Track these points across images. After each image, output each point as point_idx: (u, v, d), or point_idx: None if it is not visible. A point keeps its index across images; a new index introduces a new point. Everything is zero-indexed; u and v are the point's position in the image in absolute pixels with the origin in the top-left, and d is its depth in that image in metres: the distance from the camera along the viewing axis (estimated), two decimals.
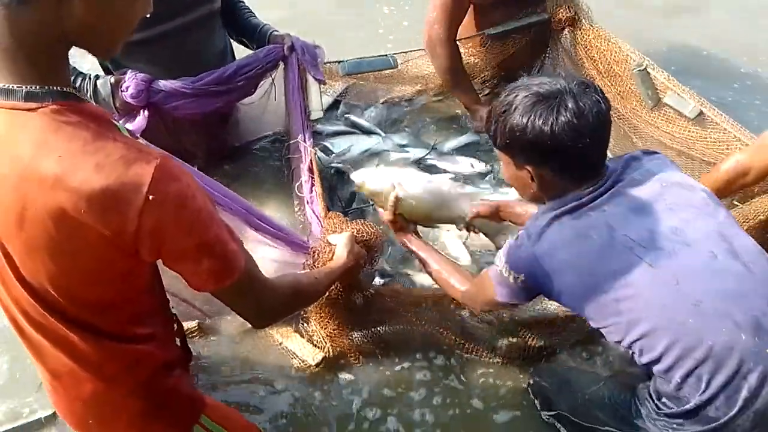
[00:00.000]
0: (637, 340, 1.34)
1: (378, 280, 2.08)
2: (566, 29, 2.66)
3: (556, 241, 1.38)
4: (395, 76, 2.80)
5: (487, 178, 2.54)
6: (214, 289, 1.07)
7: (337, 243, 1.65)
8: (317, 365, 1.89)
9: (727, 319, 1.27)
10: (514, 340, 1.89)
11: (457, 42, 2.65)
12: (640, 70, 2.36)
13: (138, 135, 1.27)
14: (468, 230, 1.96)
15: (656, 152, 1.54)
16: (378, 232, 1.74)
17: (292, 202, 2.34)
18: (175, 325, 1.31)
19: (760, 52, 3.62)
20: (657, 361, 1.33)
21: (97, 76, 2.13)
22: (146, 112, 2.11)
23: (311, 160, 2.14)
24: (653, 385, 1.44)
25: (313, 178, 2.10)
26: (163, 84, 2.13)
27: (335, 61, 2.68)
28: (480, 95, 2.81)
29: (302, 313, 1.94)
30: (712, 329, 1.27)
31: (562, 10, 2.62)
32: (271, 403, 1.85)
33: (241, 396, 1.87)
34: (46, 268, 0.95)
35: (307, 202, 2.00)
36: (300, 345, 1.93)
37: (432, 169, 2.52)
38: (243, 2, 2.49)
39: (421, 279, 2.11)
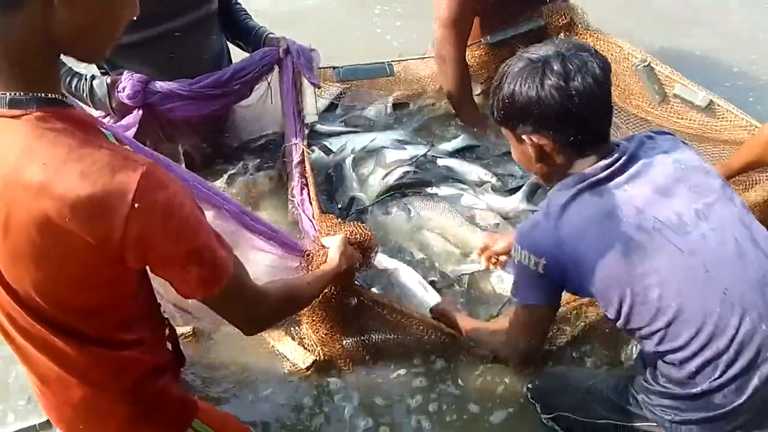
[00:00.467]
0: (662, 327, 1.30)
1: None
2: (563, 34, 2.66)
3: (580, 221, 1.33)
4: (391, 80, 2.81)
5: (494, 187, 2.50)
6: (202, 297, 1.07)
7: (330, 245, 1.63)
8: (308, 369, 1.88)
9: (752, 308, 1.26)
10: None
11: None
12: (644, 66, 2.37)
13: (128, 140, 1.27)
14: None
15: (668, 132, 1.50)
16: (371, 234, 1.73)
17: (286, 203, 2.33)
18: (167, 330, 1.31)
19: (749, 49, 3.60)
20: (678, 349, 1.30)
21: (93, 77, 2.13)
22: (139, 111, 2.11)
23: (305, 163, 2.13)
24: (651, 368, 1.42)
25: (306, 181, 2.09)
26: (160, 85, 2.14)
27: (330, 67, 2.68)
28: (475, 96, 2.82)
29: (295, 316, 1.92)
30: (737, 318, 1.25)
31: (557, 17, 2.63)
32: (265, 408, 1.85)
33: (235, 400, 1.87)
34: (31, 275, 0.95)
35: (298, 204, 2.00)
36: (291, 348, 1.92)
37: (435, 169, 2.53)
38: (240, 4, 2.49)
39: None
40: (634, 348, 1.86)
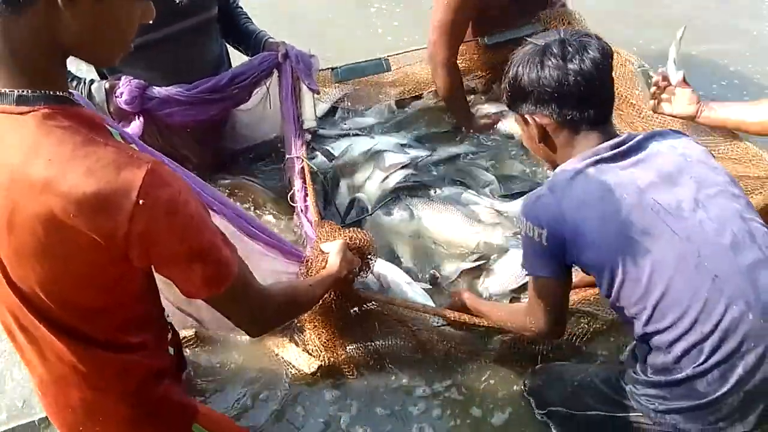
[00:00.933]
0: (648, 307, 1.32)
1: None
2: None
3: (581, 195, 1.36)
4: (390, 80, 2.82)
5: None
6: (206, 296, 1.06)
7: (330, 251, 1.64)
8: (313, 374, 1.88)
9: (740, 296, 1.28)
10: (506, 338, 1.88)
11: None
12: (643, 69, 2.41)
13: (133, 140, 1.27)
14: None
15: (681, 132, 1.54)
16: (371, 239, 1.73)
17: (288, 209, 2.34)
18: (170, 334, 1.30)
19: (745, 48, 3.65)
20: (663, 331, 1.32)
21: (92, 81, 2.13)
22: (141, 119, 2.11)
23: (304, 169, 2.13)
24: (642, 360, 1.44)
25: (306, 186, 2.10)
26: (157, 91, 2.13)
27: (329, 68, 2.68)
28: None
29: (297, 322, 1.93)
30: (725, 305, 1.27)
31: (555, 22, 2.65)
32: (265, 413, 1.84)
33: (235, 404, 1.86)
34: (36, 272, 0.94)
35: (301, 210, 2.00)
36: (296, 354, 1.92)
37: (436, 171, 2.52)
38: (241, 8, 2.49)
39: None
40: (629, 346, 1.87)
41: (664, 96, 2.10)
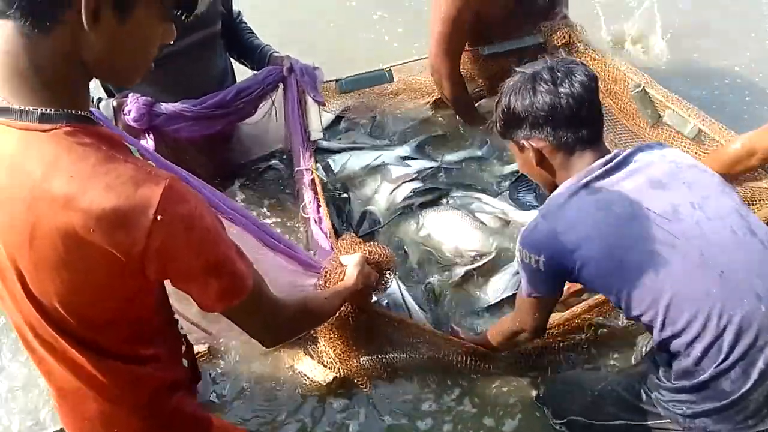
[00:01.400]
0: (660, 312, 1.34)
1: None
2: (562, 51, 2.65)
3: (575, 215, 1.40)
4: (395, 89, 2.84)
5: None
6: (222, 309, 1.07)
7: (348, 263, 1.65)
8: (328, 385, 1.89)
9: (749, 290, 1.29)
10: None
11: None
12: (638, 92, 2.37)
13: (152, 155, 1.29)
14: None
15: (666, 144, 1.57)
16: (391, 255, 1.75)
17: (295, 221, 2.35)
18: (184, 346, 1.31)
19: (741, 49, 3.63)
20: (679, 333, 1.33)
21: (99, 99, 2.15)
22: (151, 136, 2.13)
23: (314, 181, 2.15)
24: (664, 366, 1.44)
25: (318, 198, 2.12)
26: (165, 107, 2.16)
27: (333, 80, 2.71)
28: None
29: (312, 334, 1.94)
30: (735, 299, 1.28)
31: (557, 36, 2.64)
32: (279, 424, 1.85)
33: (248, 417, 1.87)
34: (55, 285, 0.95)
35: (315, 222, 2.01)
36: (311, 366, 1.93)
37: (445, 179, 2.55)
38: (245, 23, 2.52)
39: None
40: (644, 350, 1.88)
41: None
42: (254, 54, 2.45)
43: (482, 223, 2.35)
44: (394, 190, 2.49)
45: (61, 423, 1.25)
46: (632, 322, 1.82)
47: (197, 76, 2.30)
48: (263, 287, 1.14)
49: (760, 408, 1.31)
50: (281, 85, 2.36)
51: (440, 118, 2.94)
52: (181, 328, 1.31)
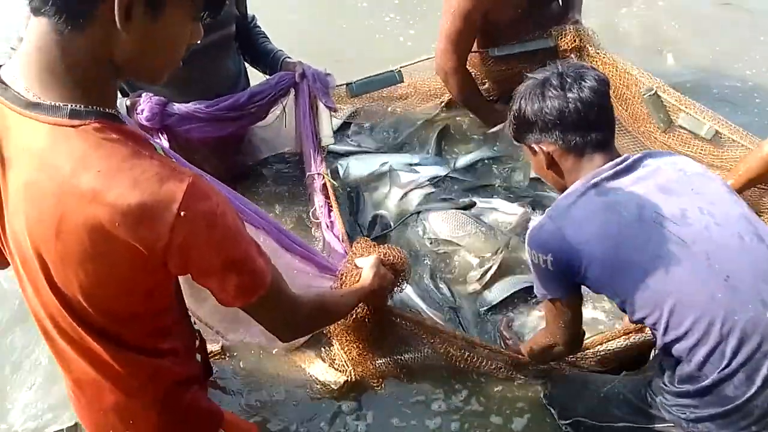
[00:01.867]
0: (664, 315, 1.35)
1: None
2: (573, 56, 2.65)
3: (582, 215, 1.43)
4: (404, 93, 2.85)
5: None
6: (241, 305, 1.10)
7: (364, 266, 1.67)
8: (339, 389, 1.91)
9: (755, 296, 1.30)
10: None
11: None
12: (650, 95, 2.35)
13: (172, 154, 1.31)
14: None
15: (674, 153, 1.60)
16: (406, 258, 1.76)
17: (306, 222, 2.38)
18: (198, 341, 1.33)
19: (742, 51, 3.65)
20: (682, 337, 1.34)
21: None
22: (164, 135, 2.16)
23: (326, 186, 2.17)
24: (669, 371, 1.45)
25: (329, 202, 2.13)
26: (177, 107, 2.19)
27: (343, 84, 2.72)
28: None
29: (324, 337, 1.95)
30: (740, 304, 1.29)
31: (567, 40, 2.63)
32: (286, 421, 1.87)
33: (259, 412, 1.89)
34: (79, 278, 0.97)
35: (327, 226, 2.03)
36: (323, 370, 1.95)
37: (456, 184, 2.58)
38: (259, 27, 2.53)
39: None
40: (651, 354, 1.88)
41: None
42: (267, 58, 2.47)
43: (491, 227, 2.35)
44: (404, 195, 2.51)
45: (76, 416, 1.27)
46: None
47: (211, 77, 2.32)
48: (281, 284, 1.16)
49: (764, 414, 1.31)
50: (292, 91, 2.39)
51: (452, 122, 2.94)
52: (194, 323, 1.34)
